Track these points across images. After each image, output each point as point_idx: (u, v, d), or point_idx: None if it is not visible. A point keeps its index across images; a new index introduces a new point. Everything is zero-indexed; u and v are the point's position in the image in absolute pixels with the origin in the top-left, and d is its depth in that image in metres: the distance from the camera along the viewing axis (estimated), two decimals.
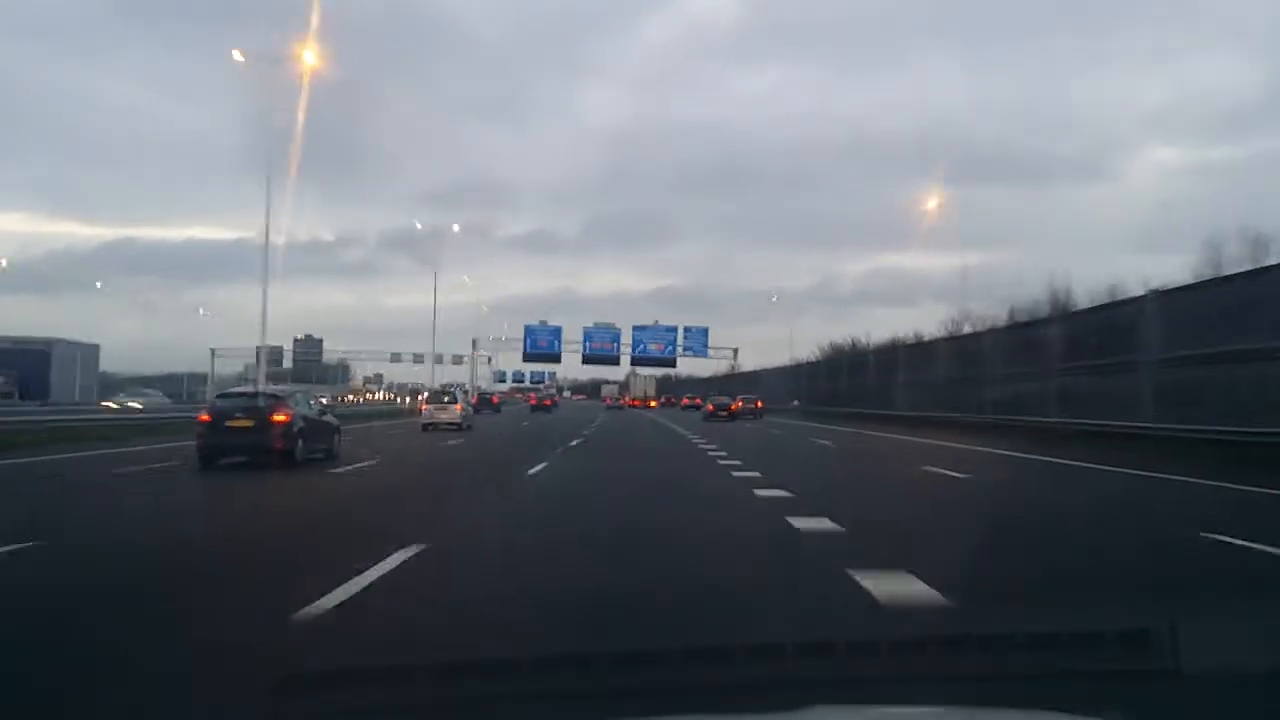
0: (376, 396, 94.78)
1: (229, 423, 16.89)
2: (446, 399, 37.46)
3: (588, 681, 3.73)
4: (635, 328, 74.26)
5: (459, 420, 34.95)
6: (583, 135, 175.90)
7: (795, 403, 58.85)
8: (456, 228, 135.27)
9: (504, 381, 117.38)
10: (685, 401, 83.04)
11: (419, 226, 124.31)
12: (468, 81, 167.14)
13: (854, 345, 67.15)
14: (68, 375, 70.29)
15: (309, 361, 79.81)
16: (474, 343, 79.95)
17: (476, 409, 54.85)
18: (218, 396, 19.28)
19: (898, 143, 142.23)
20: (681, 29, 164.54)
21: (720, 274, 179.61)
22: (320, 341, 78.05)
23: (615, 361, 76.08)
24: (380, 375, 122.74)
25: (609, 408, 78.85)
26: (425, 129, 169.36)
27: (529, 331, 74.04)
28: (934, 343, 43.28)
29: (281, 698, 3.55)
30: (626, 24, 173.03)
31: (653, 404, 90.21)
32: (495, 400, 71.71)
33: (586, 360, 75.07)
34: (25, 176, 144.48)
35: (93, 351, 77.92)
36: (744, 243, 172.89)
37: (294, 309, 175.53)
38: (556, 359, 77.68)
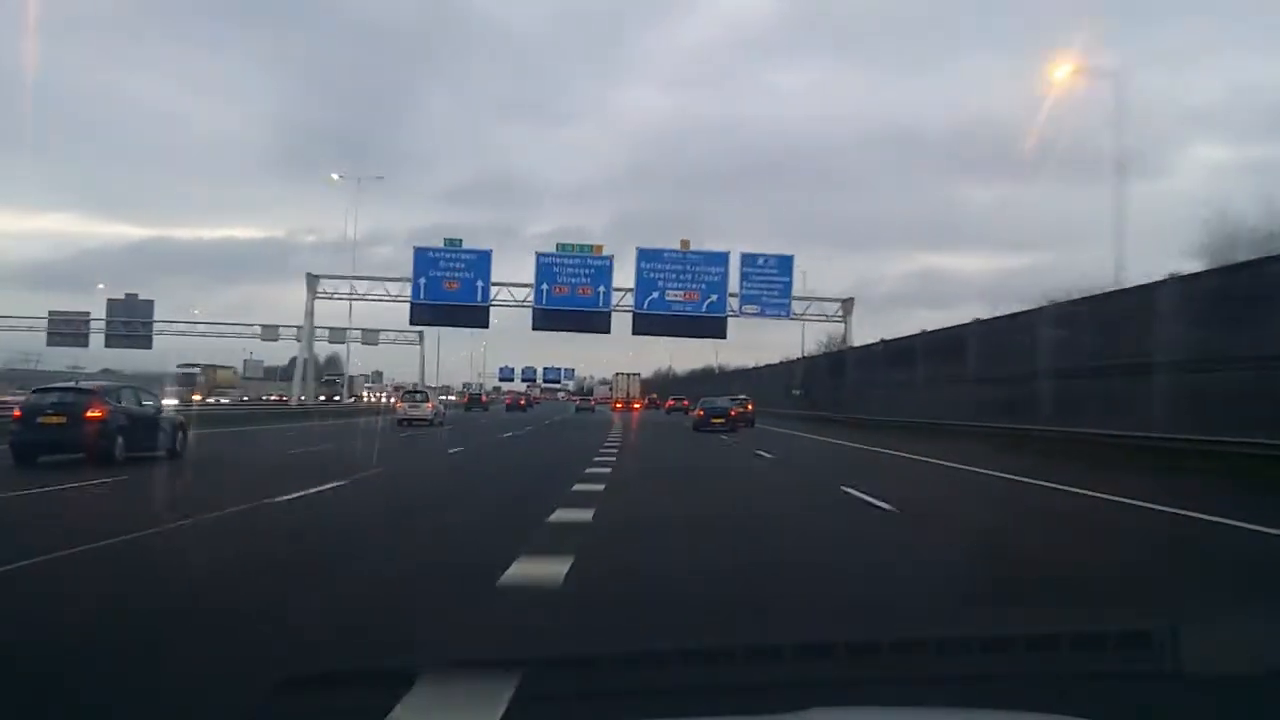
0: (339, 397, 79.72)
1: (41, 419, 16.31)
2: (419, 397, 42.44)
3: (588, 682, 3.73)
4: (642, 252, 46.52)
5: (429, 416, 39.27)
6: (615, 133, 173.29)
7: (798, 392, 48.03)
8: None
9: (511, 380, 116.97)
10: (669, 403, 69.57)
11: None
12: (500, 79, 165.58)
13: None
14: None
15: (133, 335, 56.59)
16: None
17: (467, 407, 73.24)
18: (34, 391, 18.49)
19: (937, 140, 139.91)
20: (717, 26, 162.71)
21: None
22: (150, 303, 57.38)
23: (605, 328, 47.71)
24: (379, 374, 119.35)
25: (578, 409, 72.82)
26: (456, 127, 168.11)
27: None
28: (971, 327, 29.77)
29: (282, 698, 3.54)
30: (661, 21, 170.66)
31: (636, 405, 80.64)
32: (484, 400, 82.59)
33: (538, 327, 47.92)
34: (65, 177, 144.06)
35: None
36: (777, 242, 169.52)
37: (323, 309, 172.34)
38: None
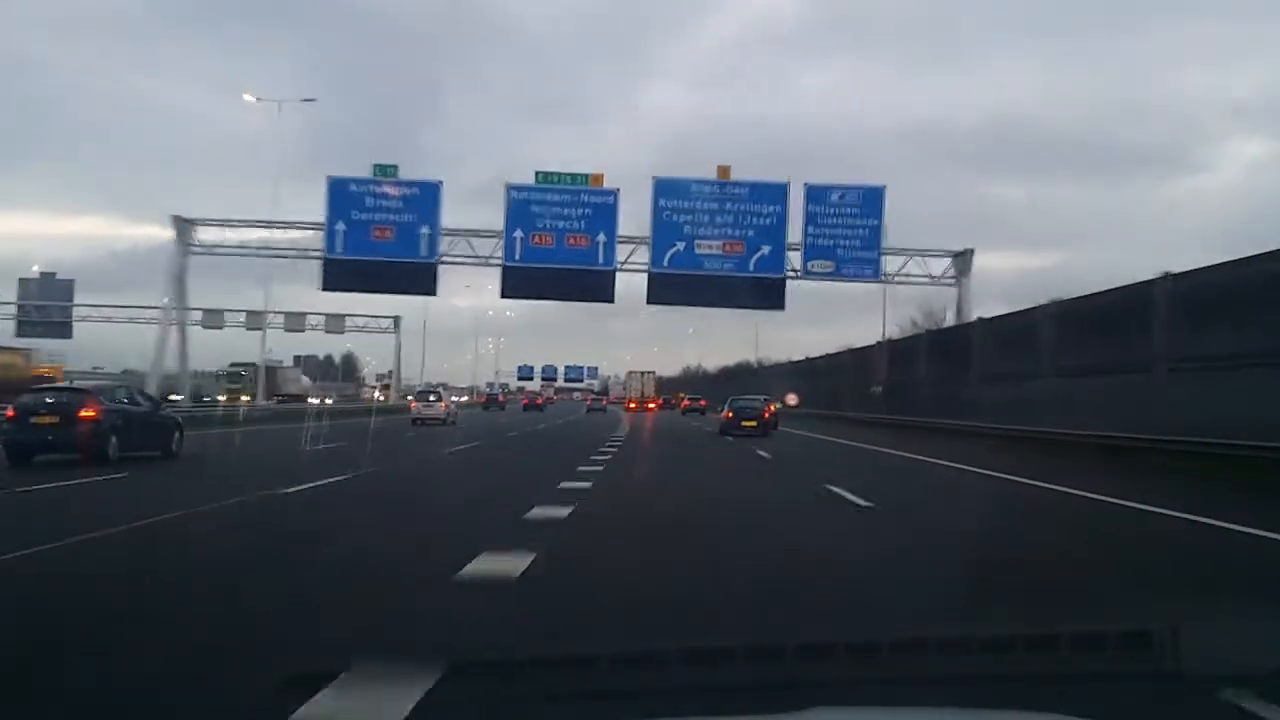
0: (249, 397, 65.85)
1: (34, 419, 16.32)
2: (432, 398, 43.35)
3: (588, 682, 3.73)
4: (661, 184, 33.89)
5: (443, 416, 40.27)
6: (638, 132, 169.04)
7: (877, 389, 36.30)
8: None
9: (530, 378, 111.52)
10: (684, 403, 65.90)
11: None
12: (521, 78, 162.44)
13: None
14: None
15: (48, 322, 49.27)
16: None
17: (485, 406, 77.19)
18: (26, 391, 18.46)
19: (965, 138, 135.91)
20: (741, 24, 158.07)
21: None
22: (70, 283, 49.66)
23: (606, 294, 35.08)
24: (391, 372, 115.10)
25: (589, 409, 71.12)
26: (478, 126, 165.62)
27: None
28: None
29: (282, 697, 3.54)
30: (685, 20, 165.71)
31: (651, 406, 76.68)
32: (501, 399, 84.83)
33: (511, 293, 36.05)
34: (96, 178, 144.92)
35: None
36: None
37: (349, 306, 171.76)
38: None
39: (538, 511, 9.92)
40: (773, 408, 33.80)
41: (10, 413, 16.82)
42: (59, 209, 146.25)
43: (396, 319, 60.82)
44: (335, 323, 56.45)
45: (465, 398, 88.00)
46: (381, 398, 70.04)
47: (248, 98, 39.92)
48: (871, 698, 3.60)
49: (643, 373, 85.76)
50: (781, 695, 3.19)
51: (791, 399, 45.69)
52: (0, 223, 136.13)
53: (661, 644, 4.41)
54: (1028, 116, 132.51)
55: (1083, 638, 4.28)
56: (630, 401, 79.48)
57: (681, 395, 73.42)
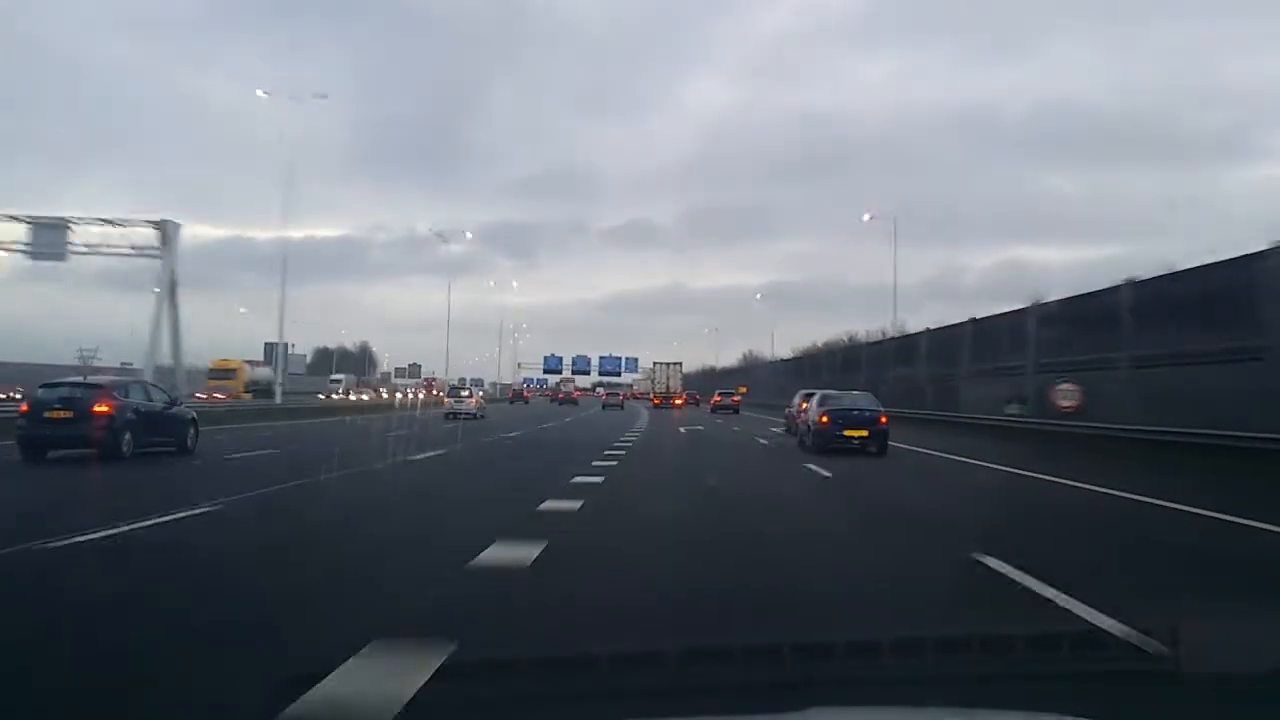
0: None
1: (48, 414, 16.20)
2: (464, 393, 46.33)
3: (588, 682, 3.74)
4: None
5: (474, 411, 42.19)
6: (685, 125, 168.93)
7: (1017, 407, 25.59)
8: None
9: (558, 370, 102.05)
10: (716, 399, 55.74)
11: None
12: (569, 72, 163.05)
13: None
14: None
15: None
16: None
17: (511, 401, 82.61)
18: (40, 386, 18.00)
19: (1022, 128, 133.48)
20: (790, 13, 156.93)
21: (831, 267, 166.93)
22: None
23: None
24: (417, 365, 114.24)
25: (605, 405, 66.41)
26: (526, 121, 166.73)
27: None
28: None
29: (282, 698, 3.54)
30: (732, 10, 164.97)
31: (678, 402, 69.33)
32: (526, 395, 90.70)
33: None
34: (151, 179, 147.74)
35: None
36: (857, 235, 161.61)
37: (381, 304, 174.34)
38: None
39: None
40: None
41: (24, 407, 16.78)
42: (113, 209, 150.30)
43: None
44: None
45: (481, 392, 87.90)
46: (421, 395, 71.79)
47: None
48: (872, 698, 3.60)
49: (668, 364, 76.62)
50: (782, 694, 3.19)
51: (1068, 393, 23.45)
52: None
53: (661, 644, 4.38)
54: (1082, 102, 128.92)
55: (1082, 637, 4.28)
56: (655, 397, 72.19)
57: (714, 391, 60.96)
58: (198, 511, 9.44)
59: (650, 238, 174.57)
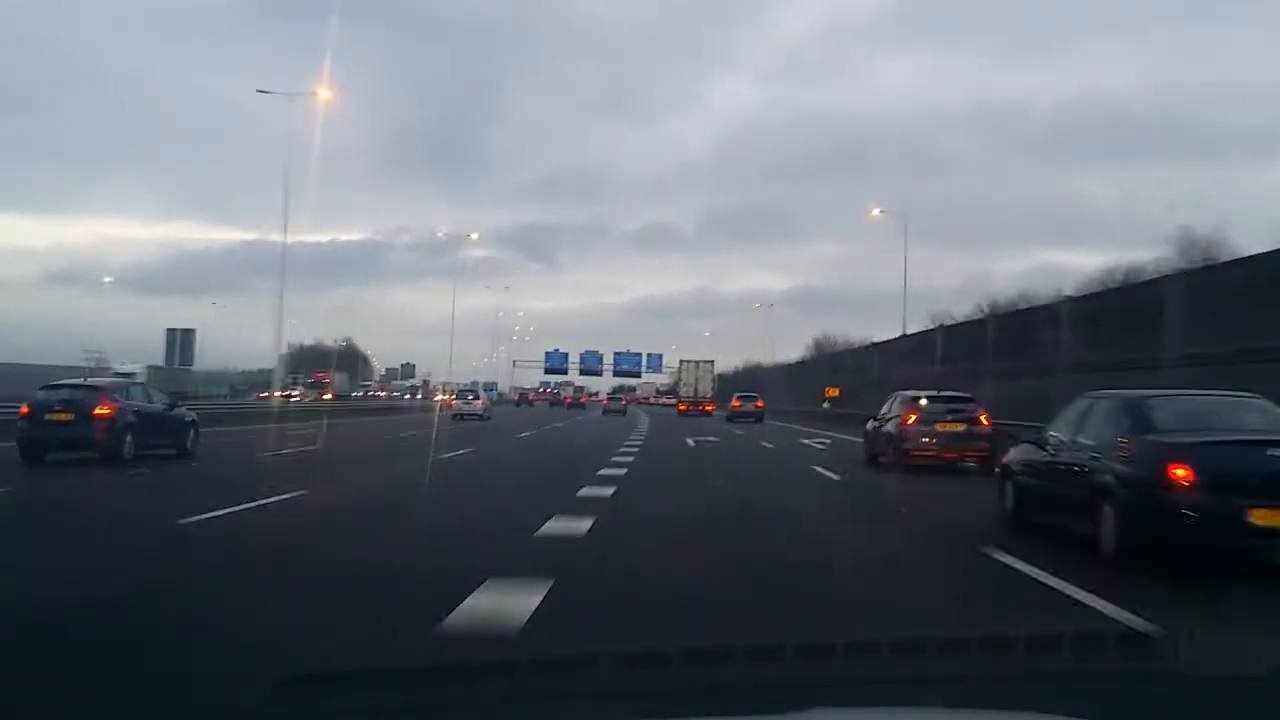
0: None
1: (49, 416, 16.13)
2: (471, 396, 48.35)
3: (588, 681, 3.77)
4: None
5: (480, 412, 44.46)
6: (706, 126, 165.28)
7: None
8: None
9: (564, 370, 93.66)
10: (735, 403, 47.57)
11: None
12: (589, 73, 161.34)
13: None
14: None
15: None
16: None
17: (517, 403, 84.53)
18: (40, 388, 17.70)
19: (1048, 128, 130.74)
20: (813, 14, 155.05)
21: (860, 271, 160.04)
22: None
23: None
24: (410, 366, 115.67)
25: (605, 410, 62.91)
26: (544, 122, 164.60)
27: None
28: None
29: (282, 698, 3.57)
30: (755, 10, 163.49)
31: (708, 408, 58.62)
32: (530, 398, 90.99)
33: None
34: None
35: None
36: (885, 239, 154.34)
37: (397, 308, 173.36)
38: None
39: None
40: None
41: (24, 410, 16.64)
42: (137, 213, 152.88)
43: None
44: None
45: (516, 395, 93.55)
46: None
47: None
48: (872, 698, 3.64)
49: (698, 363, 64.82)
50: (782, 695, 3.19)
51: None
52: (83, 226, 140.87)
53: (662, 644, 4.48)
54: (1111, 101, 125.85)
55: (1082, 637, 4.34)
56: (681, 403, 62.29)
57: (734, 395, 50.60)
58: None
59: (674, 240, 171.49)
